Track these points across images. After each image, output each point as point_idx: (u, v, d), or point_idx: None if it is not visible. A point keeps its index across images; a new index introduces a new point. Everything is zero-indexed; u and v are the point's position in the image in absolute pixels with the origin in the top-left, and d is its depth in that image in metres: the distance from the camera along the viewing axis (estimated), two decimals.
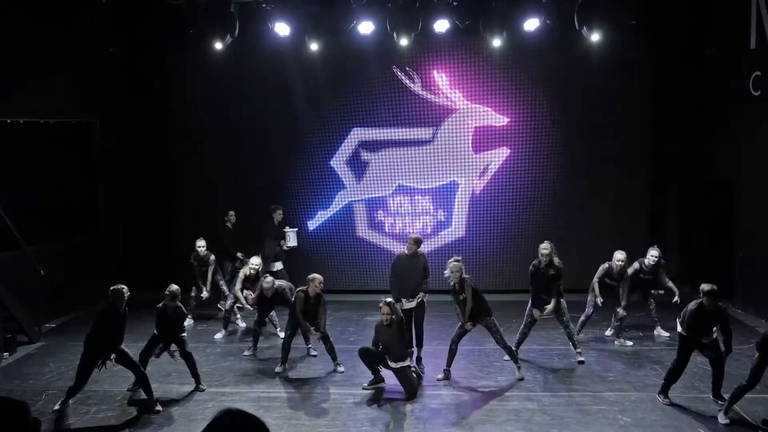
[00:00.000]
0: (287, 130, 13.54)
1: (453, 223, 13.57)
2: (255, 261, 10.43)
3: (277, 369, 9.21)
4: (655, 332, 10.52)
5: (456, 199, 13.53)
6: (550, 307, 9.13)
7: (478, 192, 13.45)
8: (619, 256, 9.88)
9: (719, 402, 7.72)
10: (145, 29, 13.34)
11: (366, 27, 12.05)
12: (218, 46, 11.93)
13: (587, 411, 7.71)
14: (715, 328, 7.70)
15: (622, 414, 7.62)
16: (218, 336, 10.81)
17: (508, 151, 13.31)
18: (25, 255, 10.57)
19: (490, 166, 13.39)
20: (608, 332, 10.50)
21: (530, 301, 9.35)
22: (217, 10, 11.52)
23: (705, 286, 7.59)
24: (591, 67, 12.53)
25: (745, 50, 11.28)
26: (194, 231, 14.17)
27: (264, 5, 11.96)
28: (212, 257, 11.24)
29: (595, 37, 11.55)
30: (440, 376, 8.87)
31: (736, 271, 12.04)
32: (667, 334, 10.26)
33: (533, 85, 13.05)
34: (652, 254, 10.05)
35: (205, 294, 11.20)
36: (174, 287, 8.54)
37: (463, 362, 9.34)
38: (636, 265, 10.11)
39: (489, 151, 13.36)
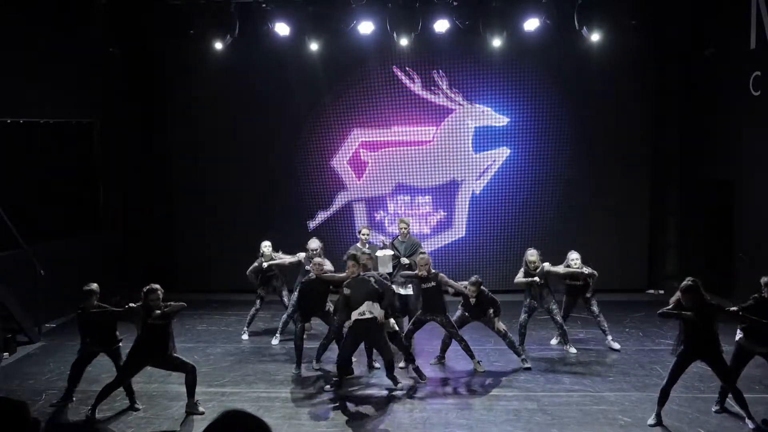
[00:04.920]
0: (287, 130, 13.54)
1: (453, 223, 13.57)
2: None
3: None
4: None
5: (456, 199, 13.53)
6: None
7: (478, 192, 13.46)
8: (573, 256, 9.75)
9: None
10: (145, 29, 13.34)
11: (366, 27, 12.07)
12: (218, 46, 11.93)
13: (587, 411, 7.71)
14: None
15: (622, 414, 7.62)
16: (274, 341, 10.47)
17: (508, 151, 13.32)
18: (25, 255, 10.57)
19: (490, 166, 13.40)
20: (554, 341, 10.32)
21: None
22: (217, 10, 11.54)
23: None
24: (591, 67, 12.55)
25: (745, 50, 11.28)
26: (194, 231, 14.17)
27: (264, 5, 11.97)
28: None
29: (595, 37, 11.55)
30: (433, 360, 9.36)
31: (736, 271, 12.03)
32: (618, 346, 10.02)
33: (533, 85, 13.06)
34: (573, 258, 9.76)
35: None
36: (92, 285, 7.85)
37: (462, 362, 9.34)
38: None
39: (489, 151, 13.37)
